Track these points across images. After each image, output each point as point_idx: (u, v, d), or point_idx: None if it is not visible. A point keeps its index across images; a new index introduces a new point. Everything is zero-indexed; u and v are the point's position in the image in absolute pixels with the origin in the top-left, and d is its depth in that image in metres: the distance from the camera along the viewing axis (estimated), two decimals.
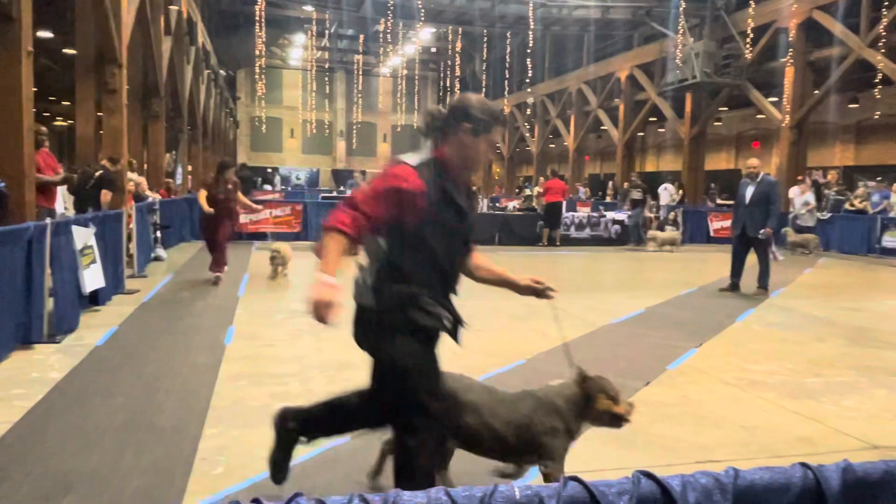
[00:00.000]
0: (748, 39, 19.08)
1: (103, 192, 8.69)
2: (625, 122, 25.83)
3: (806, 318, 7.65)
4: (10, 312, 5.08)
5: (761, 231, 8.71)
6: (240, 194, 9.24)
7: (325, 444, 3.56)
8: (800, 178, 17.98)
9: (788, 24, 17.90)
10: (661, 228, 17.30)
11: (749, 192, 8.80)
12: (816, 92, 17.77)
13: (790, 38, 17.93)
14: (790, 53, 17.94)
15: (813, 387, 4.95)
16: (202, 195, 8.80)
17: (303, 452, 3.46)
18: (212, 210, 8.56)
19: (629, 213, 16.41)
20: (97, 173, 8.79)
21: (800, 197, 15.93)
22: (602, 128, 28.99)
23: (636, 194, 16.42)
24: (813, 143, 21.22)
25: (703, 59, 19.32)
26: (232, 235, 9.14)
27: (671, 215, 17.55)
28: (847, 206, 15.96)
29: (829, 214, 15.88)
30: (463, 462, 3.46)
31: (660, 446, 3.72)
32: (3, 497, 2.93)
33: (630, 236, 16.12)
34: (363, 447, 3.59)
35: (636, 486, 0.93)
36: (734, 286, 9.13)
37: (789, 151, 18.29)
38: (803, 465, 1.02)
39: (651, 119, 27.63)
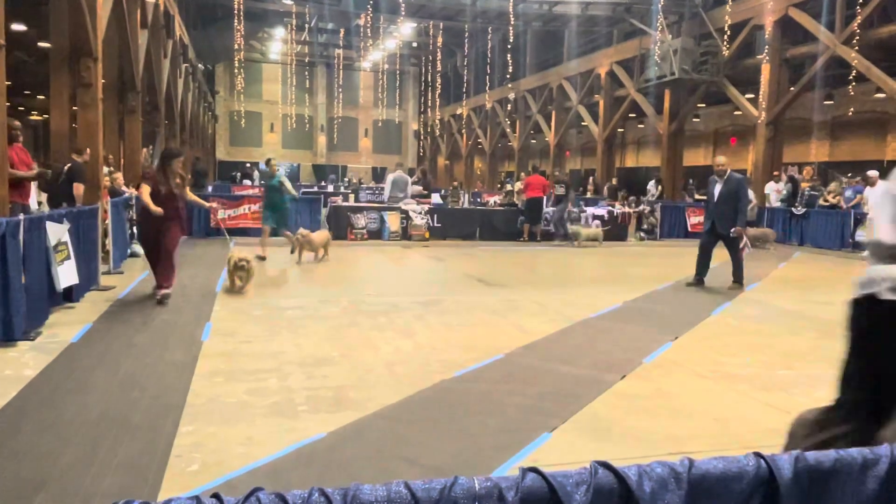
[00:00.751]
0: (725, 36, 19.26)
1: (75, 185, 8.56)
2: (605, 118, 25.97)
3: (779, 311, 7.77)
4: None
5: (732, 230, 8.86)
6: (188, 191, 7.97)
7: (303, 440, 3.57)
8: (776, 173, 18.24)
9: (765, 22, 18.10)
10: (640, 222, 17.46)
11: (717, 189, 8.98)
12: (792, 89, 18.00)
13: (767, 36, 18.13)
14: (766, 50, 18.14)
15: (785, 379, 5.04)
16: (145, 191, 7.20)
17: (279, 448, 3.47)
18: (159, 210, 7.07)
19: (552, 208, 16.04)
20: (66, 167, 8.65)
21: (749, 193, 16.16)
22: (583, 123, 29.11)
23: (559, 190, 16.11)
24: (789, 139, 21.49)
25: (682, 55, 19.48)
26: (178, 243, 7.56)
27: (645, 209, 17.72)
28: (821, 201, 16.21)
29: (804, 210, 16.12)
30: (451, 443, 3.48)
31: (634, 438, 3.77)
32: None
33: (555, 232, 15.85)
34: (337, 444, 3.60)
35: (593, 477, 0.95)
36: (700, 281, 9.26)
37: (765, 147, 18.52)
38: (756, 454, 1.04)
39: (631, 115, 27.79)
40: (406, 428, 3.85)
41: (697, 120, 27.72)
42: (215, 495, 0.88)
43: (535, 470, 0.95)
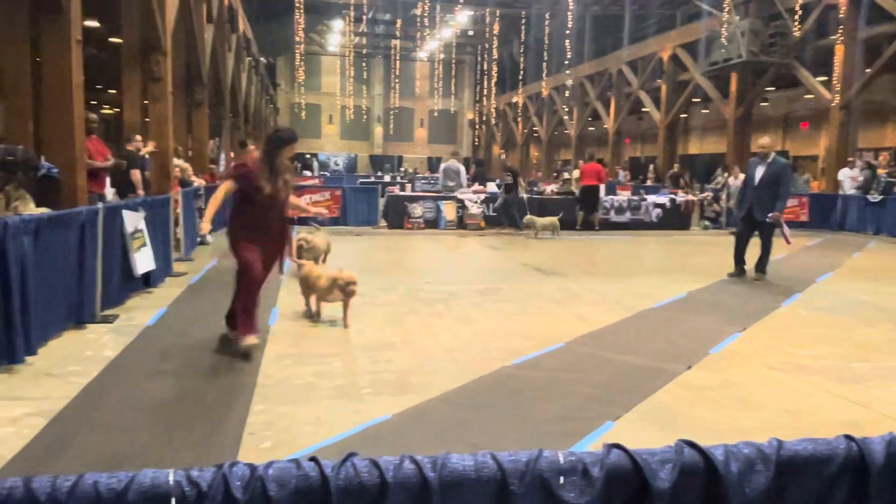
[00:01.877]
0: (796, 16, 18.47)
1: (132, 171, 8.92)
2: (667, 104, 25.33)
3: (854, 302, 7.45)
4: (64, 293, 5.29)
5: (769, 214, 8.43)
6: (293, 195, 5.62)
7: (368, 421, 3.65)
8: (850, 159, 17.43)
9: (838, 1, 17.26)
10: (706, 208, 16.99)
11: (759, 172, 8.46)
12: (868, 70, 17.13)
13: (841, 15, 17.29)
14: (840, 31, 17.31)
15: (860, 371, 4.84)
16: (223, 190, 5.05)
17: (346, 428, 3.56)
18: (205, 228, 5.03)
19: (503, 197, 15.24)
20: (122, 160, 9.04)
21: (736, 179, 15.36)
22: (643, 109, 28.48)
23: (507, 178, 15.27)
24: (864, 123, 20.49)
25: (749, 37, 18.79)
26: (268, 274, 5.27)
27: (708, 197, 17.21)
28: None
29: (880, 197, 15.36)
30: (512, 429, 3.51)
31: (700, 429, 3.70)
32: (63, 468, 3.07)
33: (502, 219, 15.07)
34: (402, 426, 3.67)
35: (679, 455, 0.95)
36: (741, 271, 8.84)
37: (839, 132, 17.71)
38: (847, 437, 1.02)
39: (694, 100, 27.01)
40: (467, 413, 3.89)
41: (766, 104, 26.70)
42: (313, 458, 0.93)
43: (619, 446, 0.96)
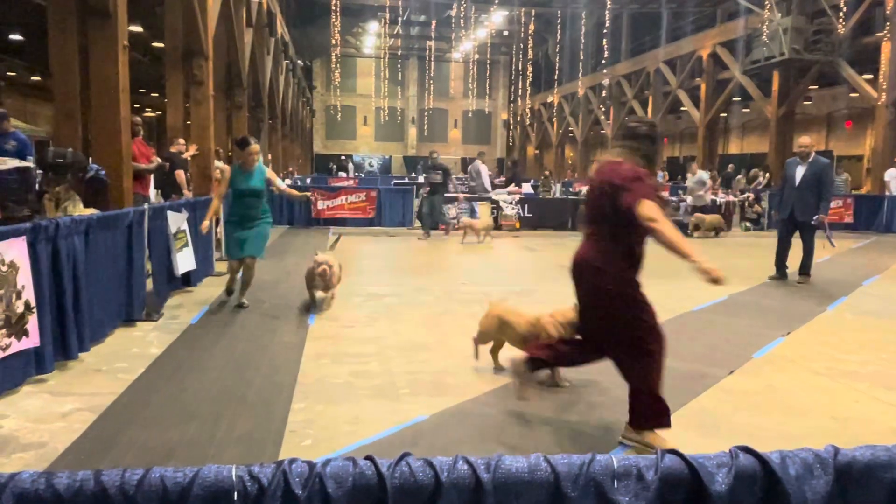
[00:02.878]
0: (841, 13, 17.98)
1: (176, 172, 9.12)
2: (706, 103, 24.91)
3: None
4: (114, 292, 5.44)
5: (815, 217, 8.19)
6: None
7: (406, 421, 3.68)
8: None
9: None
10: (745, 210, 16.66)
11: (799, 173, 8.22)
12: None
13: (887, 11, 16.78)
14: (887, 27, 16.80)
15: None
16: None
17: (384, 428, 3.59)
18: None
19: (426, 198, 14.02)
20: (165, 162, 9.25)
21: (692, 175, 15.12)
22: (682, 108, 28.05)
23: (435, 177, 13.78)
24: None
25: (792, 34, 18.36)
26: None
27: (750, 197, 16.86)
28: None
29: None
30: (549, 433, 3.50)
31: (744, 435, 3.64)
32: (112, 462, 3.17)
33: (423, 224, 13.72)
34: (440, 426, 3.68)
35: (734, 459, 0.94)
36: (783, 274, 8.61)
37: (885, 131, 17.19)
38: None
39: (735, 99, 26.51)
40: (505, 414, 3.89)
41: (809, 103, 26.10)
42: (369, 457, 0.94)
43: (674, 451, 0.95)
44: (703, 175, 15.18)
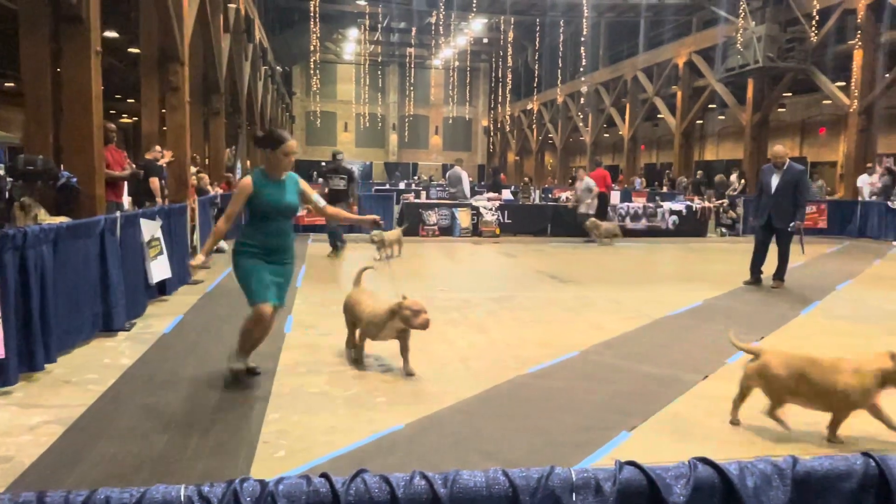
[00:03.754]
0: (813, 22, 18.32)
1: (151, 179, 9.02)
2: (683, 110, 25.20)
3: (875, 310, 7.35)
4: (87, 302, 5.35)
5: (791, 224, 8.34)
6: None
7: (383, 430, 3.65)
8: (869, 165, 17.22)
9: (856, 5, 17.11)
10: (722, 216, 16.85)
11: (774, 180, 8.37)
12: (887, 75, 16.94)
13: (858, 20, 17.13)
14: (858, 35, 17.14)
15: None
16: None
17: (360, 438, 3.56)
18: None
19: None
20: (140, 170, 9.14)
21: (580, 183, 14.94)
22: (659, 116, 28.35)
23: (338, 183, 11.94)
24: (883, 128, 20.25)
25: (766, 43, 18.66)
26: None
27: (724, 203, 17.08)
28: None
29: None
30: (527, 439, 3.49)
31: (717, 440, 3.66)
32: (80, 476, 3.10)
33: (332, 242, 11.71)
34: (416, 435, 3.66)
35: (693, 471, 0.94)
36: (757, 279, 8.72)
37: (858, 138, 17.51)
38: (865, 454, 1.00)
39: (710, 106, 26.85)
40: (482, 422, 3.87)
41: (783, 110, 26.50)
42: (324, 474, 0.92)
43: (633, 463, 0.95)
44: (590, 182, 14.73)
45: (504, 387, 4.50)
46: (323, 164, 40.75)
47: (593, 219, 14.39)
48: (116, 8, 16.69)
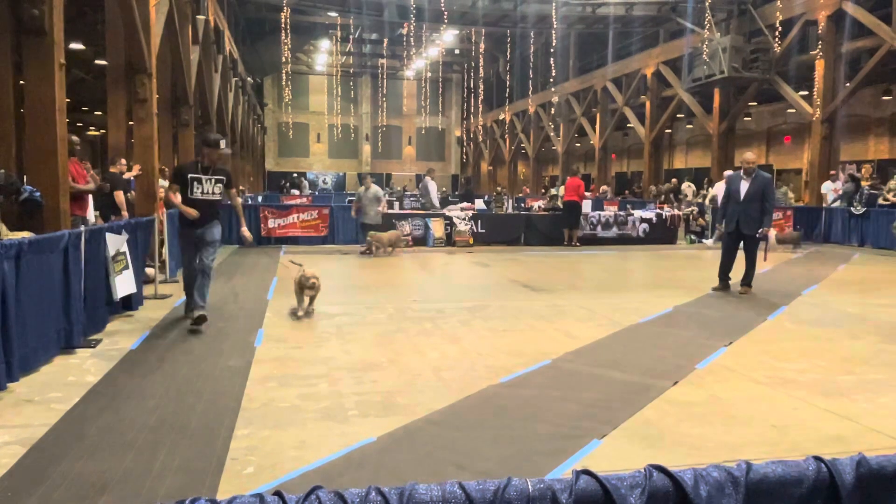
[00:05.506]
0: (776, 33, 18.76)
1: (115, 193, 8.89)
2: (651, 120, 25.58)
3: (839, 315, 7.51)
4: (51, 318, 5.23)
5: (759, 230, 8.52)
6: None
7: (354, 444, 3.62)
8: (832, 172, 17.64)
9: (818, 16, 17.57)
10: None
11: (744, 187, 8.55)
12: (848, 85, 17.40)
13: (820, 31, 17.59)
14: (820, 46, 17.59)
15: (846, 385, 4.86)
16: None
17: (331, 452, 3.52)
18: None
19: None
20: (106, 183, 9.01)
21: (368, 191, 13.63)
22: (628, 125, 28.73)
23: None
24: (846, 136, 20.79)
25: (731, 53, 19.04)
26: None
27: (694, 211, 17.36)
28: (881, 200, 15.58)
29: (864, 209, 15.53)
30: (499, 449, 3.48)
31: (687, 446, 3.69)
32: (42, 498, 3.02)
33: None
34: (388, 448, 3.63)
35: (648, 480, 0.94)
36: (726, 285, 8.87)
37: (821, 146, 17.93)
38: (816, 458, 1.02)
39: (679, 115, 27.30)
40: (454, 433, 3.86)
41: (749, 119, 27.05)
42: (277, 493, 0.91)
43: (588, 472, 0.95)
44: (378, 191, 13.91)
45: (476, 397, 4.50)
46: (294, 174, 40.49)
47: (374, 232, 13.19)
48: (82, 19, 16.47)
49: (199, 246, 6.53)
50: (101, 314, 6.29)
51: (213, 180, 6.56)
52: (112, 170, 9.26)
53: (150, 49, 10.30)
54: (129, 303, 7.11)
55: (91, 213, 8.58)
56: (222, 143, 6.68)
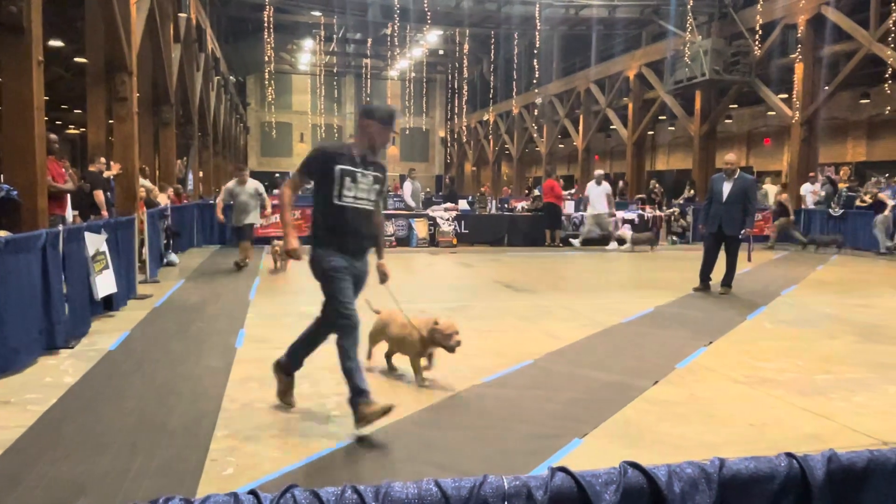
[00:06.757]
0: (757, 36, 18.98)
1: (95, 192, 8.79)
2: (634, 121, 25.75)
3: (817, 315, 7.61)
4: (29, 319, 5.15)
5: (742, 231, 8.62)
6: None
7: (335, 444, 3.61)
8: (811, 174, 17.87)
9: (797, 20, 17.80)
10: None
11: (726, 189, 8.64)
12: (827, 88, 17.65)
13: (799, 34, 17.82)
14: (799, 49, 17.83)
15: (823, 384, 4.93)
16: None
17: (312, 452, 3.51)
18: None
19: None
20: (85, 182, 8.92)
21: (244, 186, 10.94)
22: (611, 127, 28.91)
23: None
24: (824, 139, 21.08)
25: (712, 56, 19.24)
26: None
27: (675, 212, 17.50)
28: (858, 202, 15.82)
29: (842, 211, 15.76)
30: (480, 449, 3.49)
31: (667, 444, 3.73)
32: (17, 500, 2.98)
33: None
34: (369, 449, 3.62)
35: (622, 476, 0.95)
36: (706, 286, 8.95)
37: (800, 148, 18.17)
38: (788, 454, 1.03)
39: (661, 118, 27.53)
40: (436, 433, 3.86)
41: (730, 121, 27.33)
42: (252, 492, 0.91)
43: (563, 469, 0.96)
44: (258, 186, 11.15)
45: (458, 397, 4.50)
46: (276, 174, 40.22)
47: (279, 241, 10.44)
48: (61, 16, 16.26)
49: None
50: (82, 315, 6.21)
51: (371, 178, 4.05)
52: (91, 169, 9.15)
53: (131, 47, 10.19)
54: (111, 303, 7.02)
55: (70, 213, 8.47)
56: (396, 120, 4.15)
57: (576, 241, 15.55)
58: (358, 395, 3.75)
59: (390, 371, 5.10)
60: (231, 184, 11.11)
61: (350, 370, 3.83)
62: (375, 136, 4.02)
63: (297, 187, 4.22)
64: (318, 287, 4.09)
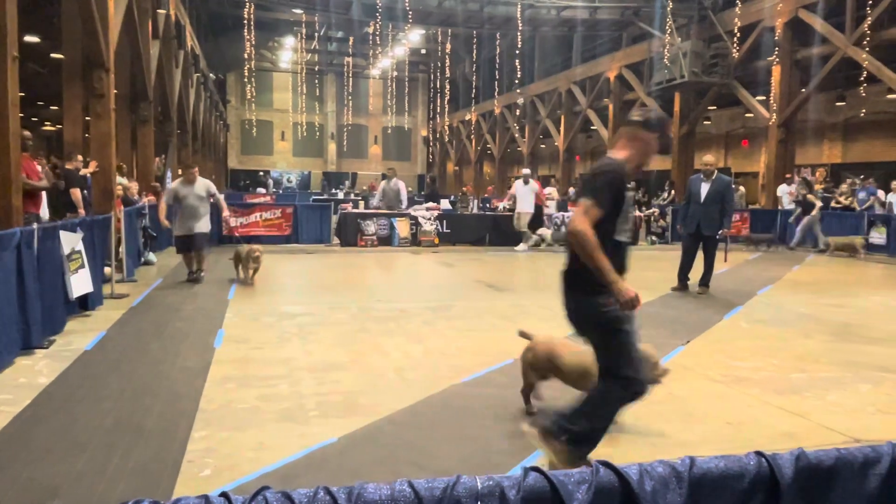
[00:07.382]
0: (735, 38, 19.20)
1: (72, 190, 8.67)
2: (614, 122, 25.92)
3: (792, 314, 7.72)
4: (8, 319, 5.06)
5: (720, 231, 8.74)
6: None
7: (314, 444, 3.59)
8: (788, 175, 18.12)
9: (775, 23, 18.04)
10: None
11: (704, 189, 8.75)
12: (803, 90, 17.90)
13: (776, 37, 18.06)
14: (777, 52, 18.07)
15: (798, 382, 5.00)
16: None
17: (290, 453, 3.49)
18: None
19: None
20: (61, 180, 8.80)
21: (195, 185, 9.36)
22: (592, 128, 29.07)
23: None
24: (801, 141, 21.36)
25: (691, 58, 19.43)
26: None
27: (654, 213, 17.65)
28: (833, 203, 16.07)
29: (799, 216, 15.97)
30: (460, 449, 3.49)
31: (644, 443, 3.76)
32: None
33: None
34: (348, 449, 3.62)
35: (595, 476, 0.96)
36: (684, 285, 9.05)
37: (777, 149, 18.41)
38: (758, 453, 1.05)
39: None
40: (416, 433, 3.86)
41: (708, 122, 27.59)
42: (223, 494, 0.90)
43: (537, 469, 0.96)
44: (209, 186, 9.31)
45: (438, 396, 4.50)
46: (260, 173, 39.94)
47: (254, 245, 9.33)
48: (38, 12, 16.00)
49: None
50: (56, 314, 6.12)
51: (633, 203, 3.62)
52: (68, 166, 9.01)
53: (109, 43, 10.06)
54: (86, 303, 6.93)
55: (45, 211, 8.35)
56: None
57: (521, 246, 15.11)
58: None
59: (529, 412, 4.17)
60: (176, 184, 9.26)
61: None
62: (652, 151, 3.37)
63: (596, 218, 3.15)
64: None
